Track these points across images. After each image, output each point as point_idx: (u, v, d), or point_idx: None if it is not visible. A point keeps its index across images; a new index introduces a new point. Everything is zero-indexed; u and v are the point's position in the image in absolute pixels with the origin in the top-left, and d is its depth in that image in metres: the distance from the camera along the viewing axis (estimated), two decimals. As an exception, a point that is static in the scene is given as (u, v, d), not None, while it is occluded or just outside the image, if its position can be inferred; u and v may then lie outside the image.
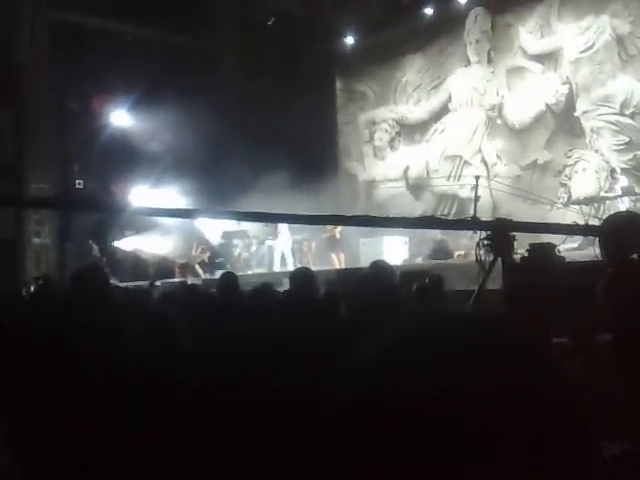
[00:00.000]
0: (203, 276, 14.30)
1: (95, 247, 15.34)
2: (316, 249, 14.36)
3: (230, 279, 5.51)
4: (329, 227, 13.13)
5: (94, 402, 1.06)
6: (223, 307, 4.11)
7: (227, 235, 15.44)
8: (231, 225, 15.07)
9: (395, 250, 12.34)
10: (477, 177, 8.59)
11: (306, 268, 5.67)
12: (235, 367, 1.31)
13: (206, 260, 15.25)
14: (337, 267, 13.04)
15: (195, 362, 1.60)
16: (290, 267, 12.79)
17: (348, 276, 8.94)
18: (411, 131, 15.91)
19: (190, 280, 12.15)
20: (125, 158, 15.60)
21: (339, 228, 13.28)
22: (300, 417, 1.08)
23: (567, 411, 0.57)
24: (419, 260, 12.41)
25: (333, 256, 13.69)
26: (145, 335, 1.69)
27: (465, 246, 11.00)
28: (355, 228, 12.44)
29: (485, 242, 6.31)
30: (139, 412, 1.09)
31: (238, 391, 1.15)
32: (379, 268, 4.46)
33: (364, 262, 10.59)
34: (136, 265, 16.02)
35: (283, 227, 13.65)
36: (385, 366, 0.60)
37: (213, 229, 15.66)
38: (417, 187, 15.48)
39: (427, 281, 6.10)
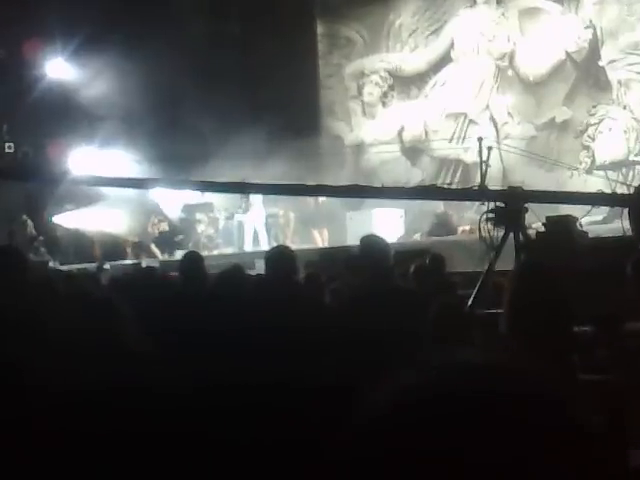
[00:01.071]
0: (161, 257, 14.26)
1: (30, 223, 15.22)
2: (295, 224, 14.34)
3: (194, 260, 5.49)
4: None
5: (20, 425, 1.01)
6: (186, 296, 4.08)
7: (189, 208, 15.37)
8: (193, 197, 14.99)
9: (388, 225, 12.36)
10: (480, 139, 8.53)
11: (285, 247, 5.65)
12: (201, 370, 1.28)
13: (162, 231, 15.16)
14: (319, 245, 13.04)
15: (150, 365, 1.57)
16: (264, 246, 12.79)
17: (333, 256, 8.94)
18: (406, 84, 15.85)
19: (145, 262, 12.12)
20: (64, 116, 15.37)
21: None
22: (282, 431, 1.06)
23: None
24: (417, 237, 12.47)
25: (315, 232, 13.67)
26: (88, 333, 1.64)
27: (471, 220, 11.05)
28: (340, 199, 12.43)
29: (492, 215, 6.34)
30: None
31: (207, 400, 1.13)
32: (371, 244, 4.43)
33: (351, 239, 10.61)
34: (80, 244, 15.91)
35: (256, 199, 13.60)
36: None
37: (172, 201, 15.57)
38: (414, 151, 15.47)
39: (426, 262, 6.13)
